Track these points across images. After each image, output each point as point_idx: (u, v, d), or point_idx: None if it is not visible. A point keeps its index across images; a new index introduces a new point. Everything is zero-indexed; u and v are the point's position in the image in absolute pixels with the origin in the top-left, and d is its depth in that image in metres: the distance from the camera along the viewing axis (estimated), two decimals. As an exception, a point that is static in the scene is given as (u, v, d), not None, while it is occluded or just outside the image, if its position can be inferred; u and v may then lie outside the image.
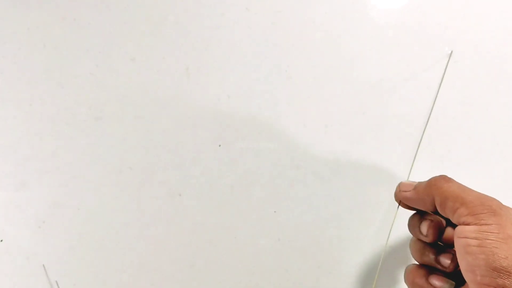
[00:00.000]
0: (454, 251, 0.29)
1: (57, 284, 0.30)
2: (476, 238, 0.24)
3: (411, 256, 0.34)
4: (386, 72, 0.42)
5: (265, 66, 0.42)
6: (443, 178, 0.29)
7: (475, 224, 0.24)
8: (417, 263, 0.32)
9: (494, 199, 0.26)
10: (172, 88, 0.41)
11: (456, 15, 0.43)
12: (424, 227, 0.31)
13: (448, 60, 0.41)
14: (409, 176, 0.39)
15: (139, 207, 0.40)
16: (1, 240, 0.40)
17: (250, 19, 0.43)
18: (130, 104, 0.41)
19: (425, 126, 0.40)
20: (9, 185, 0.40)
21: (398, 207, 0.34)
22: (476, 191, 0.28)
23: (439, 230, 0.31)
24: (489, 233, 0.24)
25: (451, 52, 0.42)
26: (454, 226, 0.27)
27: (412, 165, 0.39)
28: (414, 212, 0.33)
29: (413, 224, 0.32)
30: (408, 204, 0.33)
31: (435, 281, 0.30)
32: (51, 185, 0.40)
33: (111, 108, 0.41)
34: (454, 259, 0.30)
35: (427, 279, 0.30)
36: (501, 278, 0.22)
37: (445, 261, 0.30)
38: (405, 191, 0.32)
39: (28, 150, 0.41)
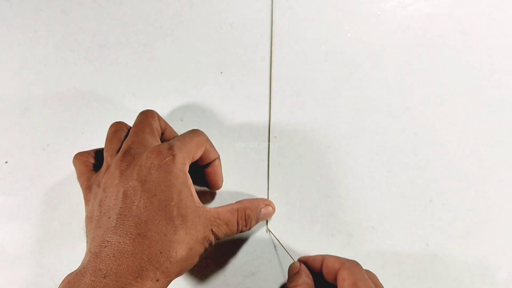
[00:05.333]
0: None
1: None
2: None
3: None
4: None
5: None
6: None
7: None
8: None
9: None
10: (175, 16, 0.42)
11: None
12: None
13: None
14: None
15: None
16: (6, 162, 0.40)
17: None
18: (134, 32, 0.42)
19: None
20: (14, 109, 0.41)
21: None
22: None
23: None
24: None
25: None
26: None
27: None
28: None
29: None
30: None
31: None
32: (56, 109, 0.41)
33: (114, 36, 0.42)
34: None
35: None
36: None
37: None
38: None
39: (32, 76, 0.41)
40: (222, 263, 0.38)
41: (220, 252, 0.39)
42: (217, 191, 0.40)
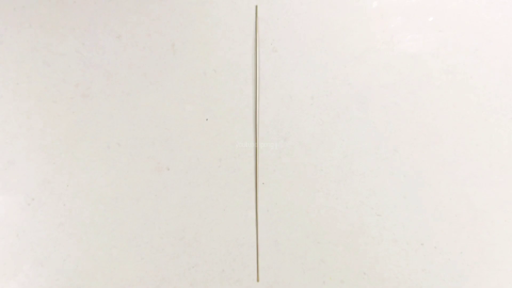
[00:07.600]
0: None
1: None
2: None
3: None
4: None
5: (250, 40, 0.42)
6: None
7: None
8: None
9: None
10: (159, 63, 0.41)
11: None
12: None
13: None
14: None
15: (127, 182, 0.40)
16: (-9, 218, 0.40)
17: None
18: (117, 81, 0.41)
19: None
20: (-2, 163, 0.40)
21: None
22: None
23: None
24: None
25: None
26: None
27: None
28: None
29: None
30: None
31: None
32: (40, 162, 0.40)
33: (98, 85, 0.41)
34: None
35: None
36: None
37: None
38: None
39: (16, 129, 0.41)
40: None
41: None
42: (203, 247, 0.39)
